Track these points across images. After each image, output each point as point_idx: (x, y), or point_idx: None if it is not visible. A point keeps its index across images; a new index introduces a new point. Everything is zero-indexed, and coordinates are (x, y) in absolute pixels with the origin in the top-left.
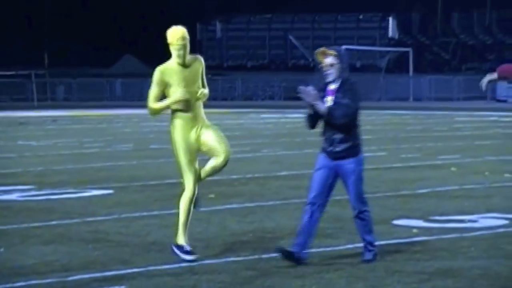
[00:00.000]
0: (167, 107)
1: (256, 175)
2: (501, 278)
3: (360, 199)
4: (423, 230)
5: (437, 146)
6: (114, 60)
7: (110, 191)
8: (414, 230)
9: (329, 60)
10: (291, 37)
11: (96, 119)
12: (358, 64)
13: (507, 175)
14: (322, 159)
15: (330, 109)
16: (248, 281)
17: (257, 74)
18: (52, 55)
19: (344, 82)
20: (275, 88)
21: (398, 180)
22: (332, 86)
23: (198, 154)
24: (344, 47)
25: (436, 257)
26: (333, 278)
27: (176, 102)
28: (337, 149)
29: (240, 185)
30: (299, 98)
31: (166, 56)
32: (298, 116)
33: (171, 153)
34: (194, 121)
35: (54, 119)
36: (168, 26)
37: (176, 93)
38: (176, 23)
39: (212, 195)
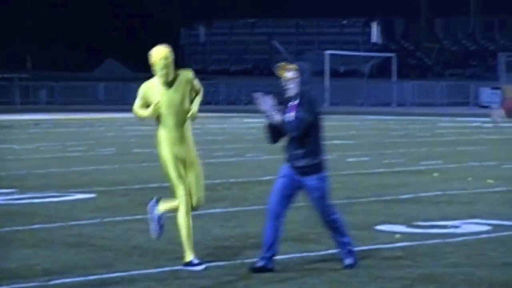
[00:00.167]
0: (144, 116)
1: (239, 179)
2: (483, 284)
3: (326, 213)
4: (406, 236)
5: (420, 152)
6: (97, 64)
7: (93, 195)
8: (397, 236)
9: (289, 74)
10: (274, 42)
11: (79, 123)
12: (341, 70)
13: (490, 181)
14: (285, 169)
15: (283, 121)
16: (230, 285)
17: (240, 78)
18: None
19: (302, 96)
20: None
21: (381, 186)
22: (293, 102)
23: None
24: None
25: (419, 262)
26: (315, 283)
27: (146, 116)
28: (299, 164)
29: (223, 189)
30: (281, 103)
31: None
32: None
33: (154, 157)
34: (181, 139)
35: (37, 123)
36: (152, 30)
37: (146, 112)
38: (160, 28)
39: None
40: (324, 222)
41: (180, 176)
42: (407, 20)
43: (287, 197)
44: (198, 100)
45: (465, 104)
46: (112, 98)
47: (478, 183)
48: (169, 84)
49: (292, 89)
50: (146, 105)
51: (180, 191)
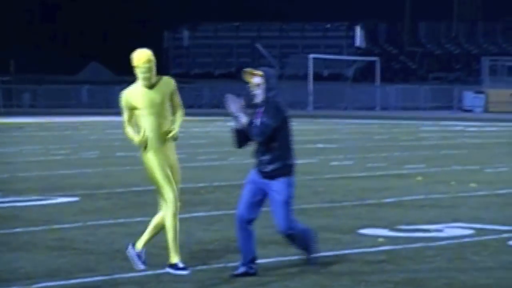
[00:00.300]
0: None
1: (223, 183)
2: (466, 287)
3: (286, 221)
4: (389, 239)
5: (403, 156)
6: (80, 67)
7: (76, 199)
8: (380, 239)
9: (256, 80)
10: (258, 46)
11: (62, 126)
12: (325, 73)
13: (473, 184)
14: (253, 174)
15: (249, 125)
16: None
17: (224, 82)
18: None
19: (267, 102)
20: (241, 97)
21: (364, 189)
22: (260, 108)
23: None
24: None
25: (402, 266)
26: (297, 287)
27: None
28: (266, 169)
29: (206, 193)
30: (251, 107)
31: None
32: None
33: (138, 161)
34: (164, 141)
35: (20, 126)
36: (135, 34)
37: (135, 138)
38: (144, 31)
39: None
40: (280, 232)
41: (167, 177)
42: (390, 24)
43: (256, 204)
44: (179, 120)
45: (448, 108)
46: (96, 101)
47: (461, 187)
48: (151, 87)
49: (258, 95)
50: (132, 110)
51: (168, 192)
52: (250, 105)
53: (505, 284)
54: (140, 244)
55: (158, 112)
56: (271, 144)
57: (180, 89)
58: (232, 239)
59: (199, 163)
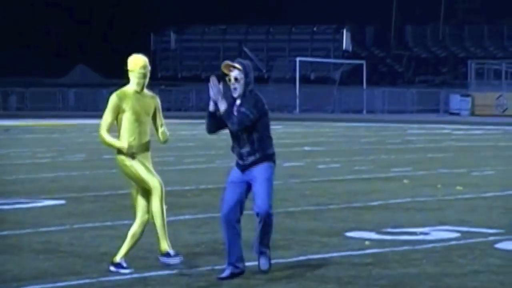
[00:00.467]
0: (112, 146)
1: (210, 186)
2: None
3: (268, 199)
4: (376, 242)
5: (390, 159)
6: (67, 70)
7: (63, 202)
8: (367, 242)
9: (234, 74)
10: (245, 49)
11: (49, 129)
12: (312, 76)
13: (459, 187)
14: (233, 173)
15: (227, 111)
16: None
17: None
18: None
19: (245, 95)
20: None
21: (351, 192)
22: (238, 101)
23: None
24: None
25: (388, 269)
26: None
27: (118, 148)
28: (247, 162)
29: (193, 196)
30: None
31: (119, 66)
32: None
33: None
34: (145, 149)
35: (7, 129)
36: (122, 36)
37: (124, 145)
38: (131, 34)
39: (165, 206)
40: (260, 213)
41: (147, 168)
42: (377, 27)
43: (239, 203)
44: (165, 132)
45: (435, 111)
46: (83, 104)
47: (447, 190)
48: (142, 94)
49: (236, 89)
50: (116, 118)
51: (152, 180)
52: (228, 97)
53: (491, 287)
54: (118, 257)
55: (145, 121)
56: (251, 137)
57: (168, 92)
58: (219, 241)
59: (185, 166)
